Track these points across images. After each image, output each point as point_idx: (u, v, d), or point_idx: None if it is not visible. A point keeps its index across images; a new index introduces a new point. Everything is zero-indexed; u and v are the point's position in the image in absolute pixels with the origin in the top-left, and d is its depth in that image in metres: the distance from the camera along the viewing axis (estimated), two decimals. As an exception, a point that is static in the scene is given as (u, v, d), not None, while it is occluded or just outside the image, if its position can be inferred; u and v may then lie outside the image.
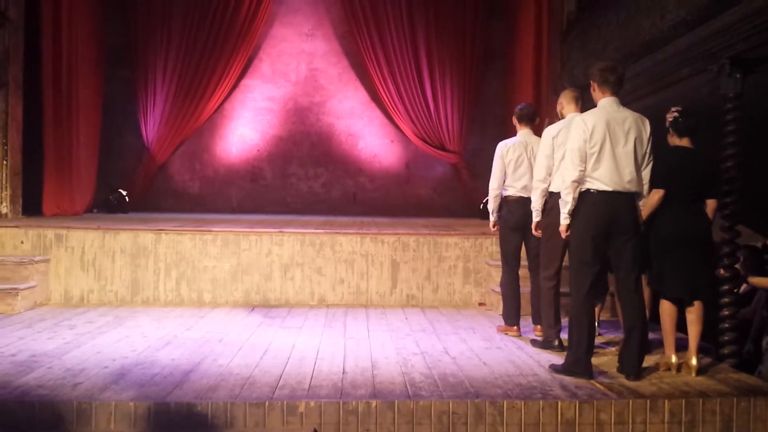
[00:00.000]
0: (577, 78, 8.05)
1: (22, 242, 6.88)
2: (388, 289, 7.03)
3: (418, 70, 10.90)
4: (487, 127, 11.01)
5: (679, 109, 4.56)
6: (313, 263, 7.01)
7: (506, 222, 5.60)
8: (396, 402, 3.82)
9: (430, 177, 11.27)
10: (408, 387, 4.09)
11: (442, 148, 10.95)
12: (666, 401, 3.93)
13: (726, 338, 5.02)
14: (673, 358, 4.51)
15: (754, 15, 4.75)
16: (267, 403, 3.77)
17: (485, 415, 3.82)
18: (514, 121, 5.78)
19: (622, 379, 4.30)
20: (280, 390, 3.99)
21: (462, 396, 3.93)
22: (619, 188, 4.23)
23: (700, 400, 3.96)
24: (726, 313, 5.02)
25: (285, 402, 3.78)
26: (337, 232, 7.07)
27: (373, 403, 3.80)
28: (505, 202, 5.61)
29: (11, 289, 6.28)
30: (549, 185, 5.00)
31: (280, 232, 7.07)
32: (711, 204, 4.54)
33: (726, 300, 5.04)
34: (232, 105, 11.02)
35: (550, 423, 3.84)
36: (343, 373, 4.39)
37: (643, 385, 4.22)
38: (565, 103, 5.23)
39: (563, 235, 4.43)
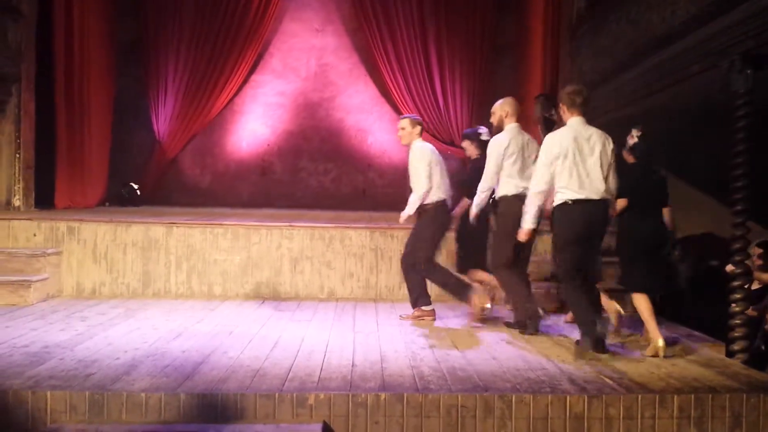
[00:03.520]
0: (585, 74, 8.04)
1: (34, 235, 6.94)
2: (397, 284, 7.04)
3: (427, 65, 10.91)
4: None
5: (639, 133, 5.19)
6: (323, 257, 7.04)
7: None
8: (405, 395, 3.84)
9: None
10: (417, 380, 4.11)
11: (452, 143, 10.95)
12: (675, 396, 3.93)
13: (736, 335, 5.00)
14: (660, 342, 4.83)
15: (765, 11, 4.74)
16: (277, 395, 3.80)
17: (494, 408, 3.84)
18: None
19: (632, 374, 4.31)
20: (290, 382, 4.02)
21: (471, 390, 3.94)
22: (592, 195, 4.72)
23: (710, 395, 3.97)
24: (736, 309, 5.01)
25: (295, 394, 3.81)
26: (347, 227, 7.10)
27: (383, 396, 3.83)
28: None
29: (24, 281, 6.35)
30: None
31: (290, 226, 7.11)
32: (667, 212, 5.26)
33: (737, 296, 5.03)
34: (243, 100, 11.06)
35: (558, 417, 3.85)
36: (353, 366, 4.42)
37: (653, 380, 4.23)
38: (511, 112, 5.55)
39: (523, 237, 5.02)
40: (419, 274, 5.87)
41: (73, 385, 3.86)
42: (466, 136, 6.38)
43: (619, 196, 4.95)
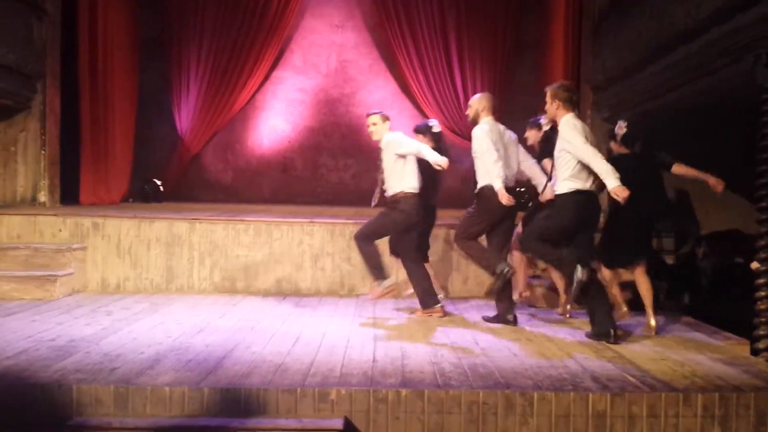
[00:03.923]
0: (608, 69, 7.97)
1: (60, 230, 7.04)
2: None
3: (448, 60, 10.87)
4: (518, 118, 10.93)
5: (626, 123, 5.53)
6: (344, 253, 7.06)
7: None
8: (426, 391, 3.84)
9: (460, 168, 11.21)
10: (438, 376, 4.11)
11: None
12: (699, 395, 3.89)
13: (761, 332, 4.93)
14: (653, 321, 5.40)
15: (793, 4, 4.66)
16: (299, 390, 3.82)
17: (516, 405, 3.83)
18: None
19: (655, 372, 4.28)
20: (311, 377, 4.04)
21: (492, 386, 3.94)
22: (592, 187, 5.09)
23: (735, 394, 3.92)
24: (761, 307, 4.94)
25: (316, 389, 3.83)
26: (362, 223, 7.09)
27: (403, 392, 3.84)
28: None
29: (50, 275, 6.44)
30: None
31: (311, 222, 7.14)
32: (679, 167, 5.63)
33: (762, 294, 4.97)
34: (264, 96, 11.11)
35: (580, 415, 3.83)
36: (373, 361, 4.44)
37: (676, 378, 4.19)
38: (487, 107, 5.75)
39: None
40: (411, 267, 5.96)
41: (99, 379, 3.91)
42: (417, 130, 6.41)
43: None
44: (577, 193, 5.06)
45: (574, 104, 5.14)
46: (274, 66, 11.01)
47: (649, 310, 5.48)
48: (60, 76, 8.44)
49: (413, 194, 5.86)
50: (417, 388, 3.88)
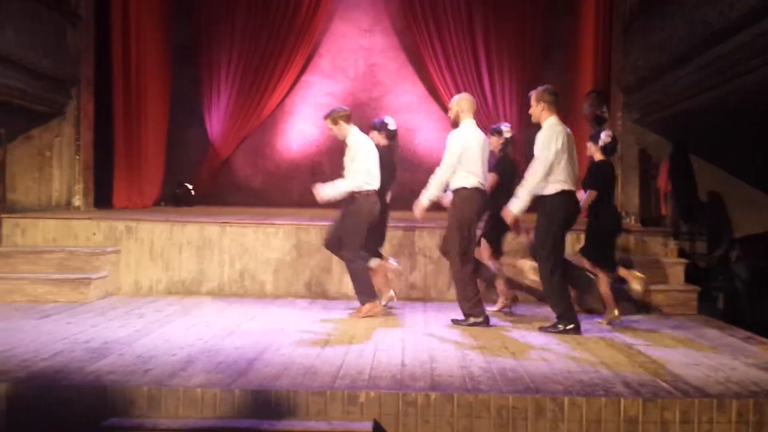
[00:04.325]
0: (639, 69, 7.88)
1: (94, 234, 7.17)
2: (445, 284, 7.03)
3: (476, 63, 10.83)
4: (547, 120, 10.88)
5: (611, 134, 5.93)
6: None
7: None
8: (455, 395, 3.84)
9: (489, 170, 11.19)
10: (467, 380, 4.10)
11: (501, 141, 10.86)
12: (734, 401, 3.83)
13: (798, 338, 4.85)
14: (616, 311, 5.82)
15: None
16: (328, 393, 3.84)
17: (546, 410, 3.80)
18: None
19: (688, 378, 4.22)
20: (340, 380, 4.06)
21: (522, 391, 3.92)
22: (574, 187, 5.39)
23: (770, 400, 3.85)
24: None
25: (346, 392, 3.85)
26: (395, 226, 7.10)
27: (432, 396, 3.84)
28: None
29: (84, 278, 6.57)
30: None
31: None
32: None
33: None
34: (293, 101, 11.17)
35: (612, 420, 3.79)
36: (402, 365, 4.44)
37: (710, 383, 4.13)
38: (467, 108, 5.78)
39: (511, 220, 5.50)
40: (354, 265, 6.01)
41: (132, 380, 3.98)
42: (374, 126, 6.48)
43: (590, 188, 5.74)
44: (563, 194, 5.33)
45: (558, 108, 5.42)
46: (302, 71, 11.07)
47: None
48: (94, 82, 8.60)
49: (374, 191, 5.94)
50: (446, 391, 3.87)
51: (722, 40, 5.97)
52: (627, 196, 8.40)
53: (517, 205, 5.40)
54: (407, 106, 11.13)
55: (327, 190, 6.01)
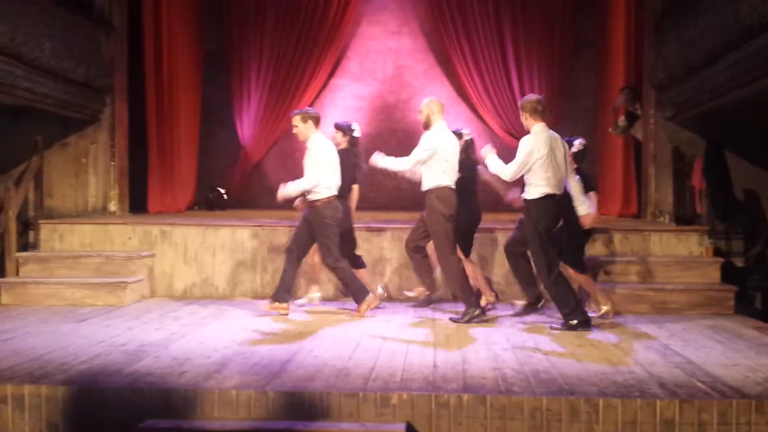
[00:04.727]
0: (671, 66, 7.77)
1: (129, 238, 7.30)
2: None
3: (504, 63, 10.79)
4: (577, 119, 10.78)
5: (584, 142, 6.05)
6: (402, 258, 7.07)
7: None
8: (488, 397, 3.83)
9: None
10: (499, 382, 4.09)
11: (531, 141, 10.79)
12: (773, 402, 3.76)
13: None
14: (610, 304, 6.06)
15: None
16: (361, 394, 3.86)
17: (580, 412, 3.77)
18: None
19: (726, 378, 4.15)
20: (373, 382, 4.08)
21: (555, 393, 3.89)
22: (557, 191, 5.55)
23: (811, 402, 3.77)
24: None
25: (378, 393, 3.86)
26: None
27: (465, 397, 3.83)
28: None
29: (120, 282, 6.69)
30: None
31: (368, 228, 7.20)
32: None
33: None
34: (322, 104, 11.23)
35: (648, 422, 3.75)
36: (434, 366, 4.44)
37: (748, 384, 4.05)
38: (437, 111, 5.97)
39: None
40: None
41: (169, 382, 4.04)
42: (338, 127, 6.69)
43: (591, 190, 5.94)
44: (547, 197, 5.51)
45: (541, 114, 5.63)
46: (331, 74, 11.13)
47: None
48: (127, 89, 8.76)
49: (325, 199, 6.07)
50: (479, 393, 3.87)
51: (756, 35, 5.86)
52: (661, 194, 8.30)
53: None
54: (436, 107, 11.12)
55: (288, 188, 6.15)
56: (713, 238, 7.20)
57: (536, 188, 5.52)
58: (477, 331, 5.59)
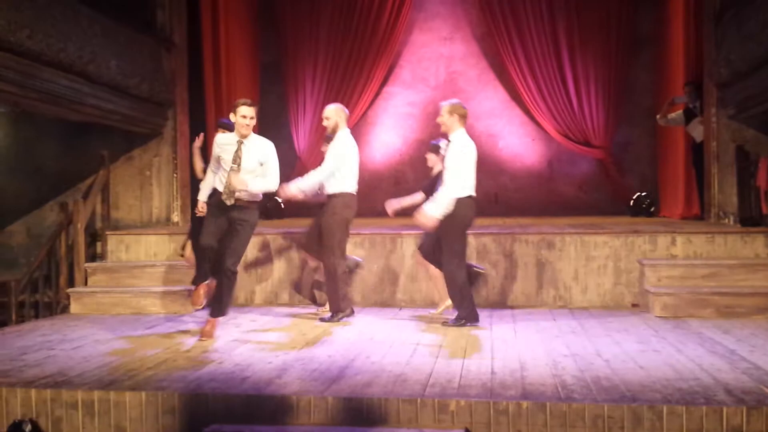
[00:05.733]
0: (733, 62, 7.54)
1: (192, 248, 7.49)
2: (534, 290, 6.95)
3: (559, 64, 10.64)
4: (635, 119, 10.57)
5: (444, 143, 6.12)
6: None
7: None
8: (548, 404, 3.79)
9: (575, 174, 10.98)
10: (559, 389, 4.04)
11: (587, 143, 10.63)
12: None
13: None
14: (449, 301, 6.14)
15: None
16: (419, 400, 3.88)
17: (643, 420, 3.70)
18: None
19: (796, 386, 4.01)
20: (430, 388, 4.09)
21: (617, 400, 3.82)
22: (474, 193, 5.86)
23: None
24: None
25: (436, 400, 3.87)
26: (481, 233, 7.08)
27: (524, 404, 3.80)
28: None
29: (184, 290, 6.88)
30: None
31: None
32: None
33: None
34: (375, 112, 11.33)
35: (714, 430, 3.64)
36: (492, 373, 4.42)
37: (821, 392, 3.90)
38: (345, 118, 6.28)
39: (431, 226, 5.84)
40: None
41: (231, 387, 4.14)
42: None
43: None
44: (470, 198, 5.80)
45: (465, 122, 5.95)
46: (384, 82, 11.20)
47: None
48: (188, 103, 9.03)
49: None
50: (538, 400, 3.83)
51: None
52: (724, 195, 8.06)
53: (435, 210, 5.78)
54: (489, 112, 11.08)
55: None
56: (781, 240, 6.94)
57: (464, 189, 5.81)
58: (535, 337, 5.53)
